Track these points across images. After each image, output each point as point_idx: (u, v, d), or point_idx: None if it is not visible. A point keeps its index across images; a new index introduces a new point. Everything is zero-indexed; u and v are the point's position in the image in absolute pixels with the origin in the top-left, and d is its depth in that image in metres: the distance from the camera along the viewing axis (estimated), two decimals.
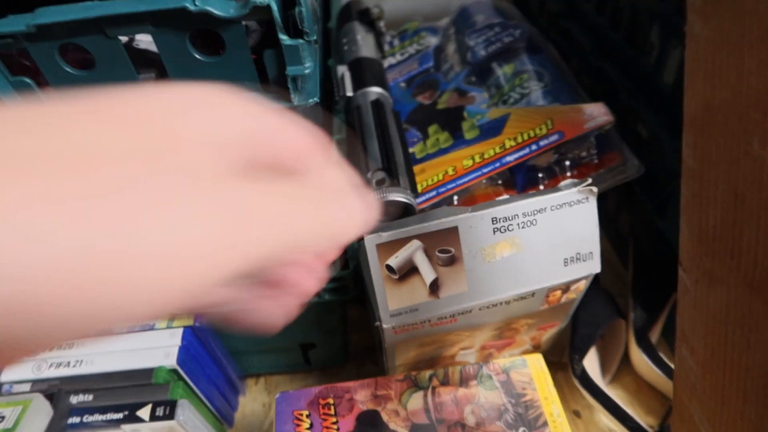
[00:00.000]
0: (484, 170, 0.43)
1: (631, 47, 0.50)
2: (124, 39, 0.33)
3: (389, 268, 0.35)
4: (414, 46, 0.57)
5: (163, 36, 0.26)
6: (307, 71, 0.27)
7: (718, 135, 0.21)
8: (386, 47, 0.59)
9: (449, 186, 0.43)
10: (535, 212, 0.36)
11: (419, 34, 0.58)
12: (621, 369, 0.51)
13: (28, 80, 0.28)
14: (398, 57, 0.57)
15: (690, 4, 0.22)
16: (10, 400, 0.34)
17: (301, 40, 0.26)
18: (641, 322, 0.47)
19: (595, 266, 0.38)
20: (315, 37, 0.27)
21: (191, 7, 0.25)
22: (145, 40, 0.31)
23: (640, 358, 0.47)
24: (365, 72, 0.47)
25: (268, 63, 0.28)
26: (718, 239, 0.22)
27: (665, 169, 0.44)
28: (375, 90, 0.44)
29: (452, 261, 0.36)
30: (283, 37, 0.26)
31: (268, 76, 0.28)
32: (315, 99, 0.29)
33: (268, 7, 0.25)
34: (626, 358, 0.50)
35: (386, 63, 0.57)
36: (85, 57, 0.28)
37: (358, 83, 0.45)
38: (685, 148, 0.24)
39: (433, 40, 0.56)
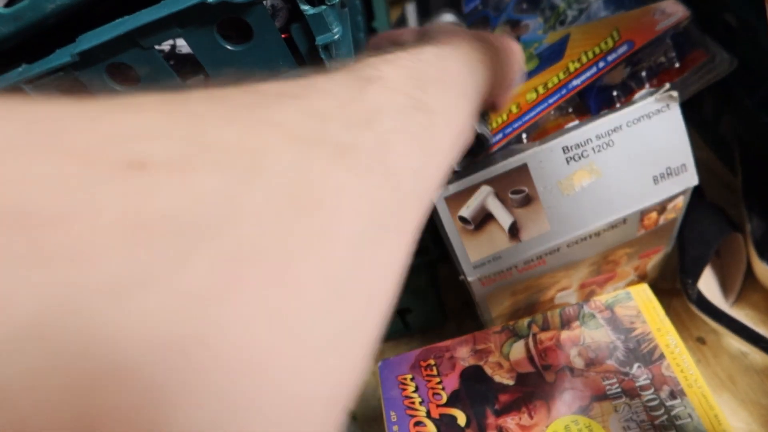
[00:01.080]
0: (550, 101, 0.40)
1: None
2: (165, 48, 0.34)
3: (463, 219, 0.34)
4: None
5: (192, 35, 0.27)
6: (336, 36, 0.26)
7: None
8: None
9: (515, 125, 0.41)
10: (610, 132, 0.32)
11: None
12: (746, 286, 0.46)
13: None
14: None
15: None
16: None
17: (323, 6, 0.26)
18: (760, 231, 0.42)
19: (691, 179, 0.34)
20: (337, 1, 0.26)
21: (209, 0, 0.25)
22: (186, 45, 0.32)
23: (765, 272, 0.42)
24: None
25: (296, 37, 0.27)
26: None
27: (763, 58, 0.39)
28: (447, 17, 0.42)
29: (528, 201, 0.34)
30: (305, 8, 0.25)
31: (302, 53, 0.28)
32: (351, 59, 0.28)
33: None
34: (750, 273, 0.45)
35: None
36: (132, 73, 0.30)
37: (424, 13, 0.43)
38: None
39: None
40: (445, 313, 0.54)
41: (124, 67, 0.28)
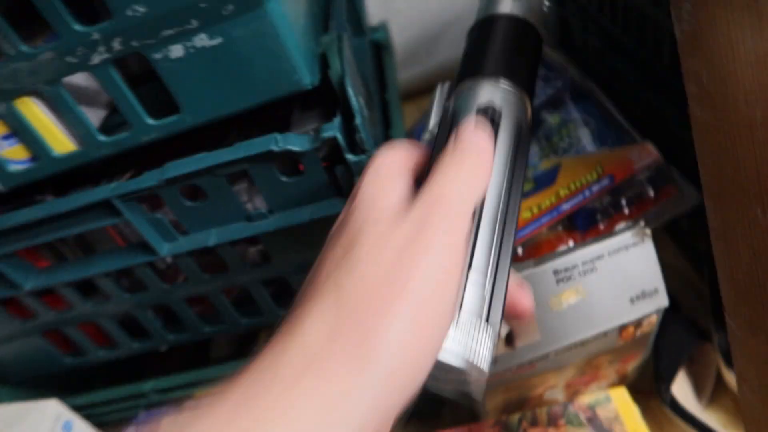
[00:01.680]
0: (543, 220, 0.46)
1: (677, 76, 0.52)
2: None
3: None
4: None
5: (256, 168, 0.33)
6: None
7: (730, 203, 0.24)
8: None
9: None
10: (594, 259, 0.38)
11: None
12: (717, 390, 0.51)
13: (159, 216, 0.35)
14: None
15: (688, 92, 0.25)
16: None
17: (363, 156, 0.32)
18: (726, 344, 0.47)
19: (662, 301, 0.40)
20: (374, 151, 0.32)
21: (276, 149, 0.31)
22: None
23: (732, 380, 0.47)
24: None
25: (339, 176, 0.34)
26: (748, 291, 0.24)
27: None
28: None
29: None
30: (349, 156, 0.32)
31: (341, 185, 0.34)
32: None
33: (335, 138, 0.31)
34: (720, 379, 0.50)
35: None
36: (195, 187, 0.36)
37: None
38: (708, 211, 0.27)
39: None
40: (443, 400, 0.58)
41: (196, 188, 0.34)
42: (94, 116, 0.35)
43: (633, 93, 0.58)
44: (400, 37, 0.96)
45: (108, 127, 0.35)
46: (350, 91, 0.31)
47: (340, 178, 0.34)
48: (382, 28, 0.75)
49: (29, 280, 0.39)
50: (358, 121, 0.30)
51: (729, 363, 0.48)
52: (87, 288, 0.43)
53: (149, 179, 0.33)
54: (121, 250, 0.39)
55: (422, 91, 1.00)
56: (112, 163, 0.44)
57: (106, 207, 0.34)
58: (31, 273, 0.39)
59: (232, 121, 0.43)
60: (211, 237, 0.36)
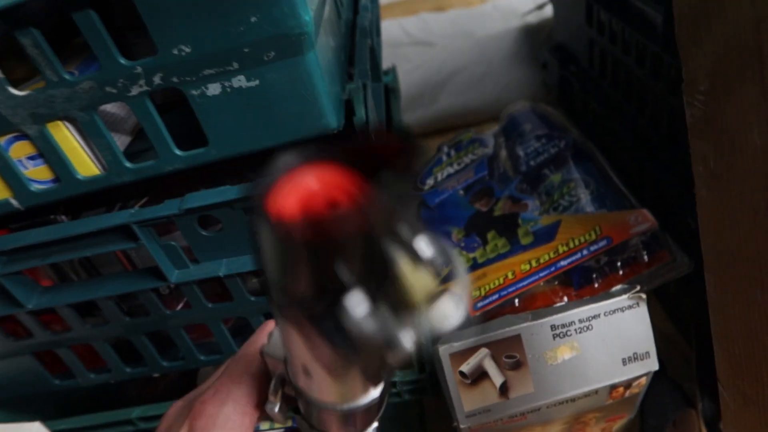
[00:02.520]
0: (541, 274, 0.48)
1: (673, 146, 0.55)
2: None
3: (462, 374, 0.40)
4: (469, 156, 0.63)
5: None
6: None
7: (731, 279, 0.25)
8: (444, 157, 0.66)
9: (510, 289, 0.48)
10: (590, 318, 0.40)
11: (473, 144, 0.65)
12: None
13: (174, 243, 0.36)
14: (455, 166, 0.64)
15: (695, 172, 0.27)
16: None
17: None
18: (710, 412, 0.48)
19: (652, 364, 0.41)
20: None
21: None
22: None
23: None
24: None
25: None
26: (744, 365, 0.26)
27: None
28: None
29: (518, 365, 0.40)
30: None
31: None
32: None
33: None
34: None
35: (445, 172, 0.64)
36: (210, 217, 0.37)
37: None
38: (708, 285, 0.28)
39: (485, 150, 0.63)
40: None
41: (210, 217, 0.35)
42: (118, 142, 0.36)
43: (630, 158, 0.60)
44: (404, 81, 0.99)
45: (129, 153, 0.36)
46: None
47: None
48: (392, 72, 0.78)
49: (32, 299, 0.39)
50: None
51: (712, 431, 0.49)
52: (83, 309, 0.43)
53: (169, 208, 0.33)
54: (129, 273, 0.39)
55: (425, 134, 1.03)
56: (122, 187, 0.45)
57: (123, 231, 0.34)
58: (35, 291, 0.39)
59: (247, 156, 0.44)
60: (222, 267, 0.37)
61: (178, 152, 0.33)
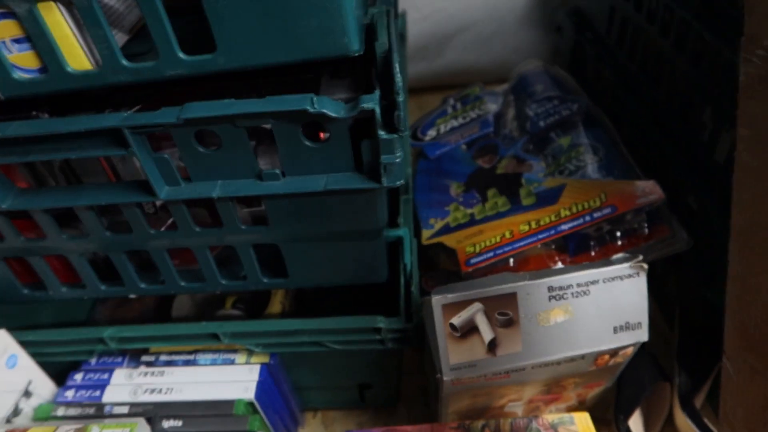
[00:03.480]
0: (540, 236, 0.46)
1: (685, 124, 0.53)
2: None
3: (452, 326, 0.39)
4: (475, 110, 0.61)
5: (281, 127, 0.32)
6: (398, 160, 0.32)
7: (760, 249, 0.24)
8: (449, 109, 0.64)
9: (506, 248, 0.47)
10: (589, 283, 0.39)
11: (480, 99, 0.63)
12: (665, 429, 0.52)
13: (166, 156, 0.33)
14: (460, 120, 0.61)
15: (739, 135, 0.25)
16: (118, 422, 0.39)
17: (396, 135, 0.31)
18: (686, 388, 0.49)
19: (643, 335, 0.41)
20: (408, 133, 0.32)
21: (311, 110, 0.30)
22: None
23: (684, 423, 0.49)
24: None
25: (364, 150, 0.33)
26: (758, 338, 0.25)
27: (713, 242, 0.47)
28: None
29: (510, 323, 0.39)
30: (381, 133, 0.31)
31: (363, 160, 0.33)
32: (401, 181, 0.33)
33: (373, 110, 0.30)
34: (670, 418, 0.52)
35: (448, 125, 0.62)
36: (204, 131, 0.34)
37: None
38: (731, 254, 0.27)
39: (493, 107, 0.61)
40: (400, 395, 0.57)
41: (212, 134, 0.32)
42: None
43: (638, 132, 0.59)
44: (410, 31, 0.95)
45: (125, 55, 0.33)
46: (396, 67, 0.30)
47: (363, 152, 0.33)
48: (401, 17, 0.74)
49: (7, 199, 0.36)
50: (401, 98, 0.29)
51: (685, 407, 0.49)
52: (63, 220, 0.40)
53: (167, 115, 0.31)
54: (115, 185, 0.37)
55: (425, 88, 0.99)
56: (114, 94, 0.42)
57: (113, 136, 0.32)
58: (11, 191, 0.36)
59: (253, 79, 0.41)
60: (217, 189, 0.34)
61: (181, 55, 0.30)
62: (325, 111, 0.30)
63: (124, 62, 0.31)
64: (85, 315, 0.62)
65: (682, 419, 0.49)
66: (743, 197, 0.25)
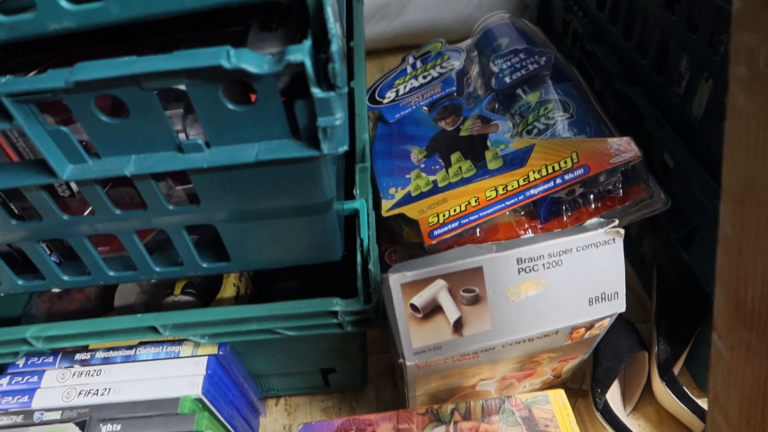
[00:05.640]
0: (508, 203, 0.43)
1: (659, 75, 0.50)
2: None
3: (413, 306, 0.35)
4: (437, 69, 0.57)
5: (197, 89, 0.27)
6: (338, 122, 0.27)
7: (759, 210, 0.21)
8: (408, 69, 0.59)
9: (472, 217, 0.43)
10: (561, 253, 0.35)
11: (442, 56, 0.58)
12: (643, 399, 0.50)
13: (64, 129, 0.28)
14: (420, 80, 0.57)
15: (733, 75, 0.21)
16: (47, 429, 0.35)
17: (333, 93, 0.26)
18: (665, 356, 0.46)
19: (620, 305, 0.37)
20: (346, 90, 0.27)
21: (226, 65, 0.25)
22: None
23: (663, 391, 0.47)
24: None
25: (299, 113, 0.28)
26: (756, 312, 0.21)
27: (691, 201, 0.44)
28: None
29: (476, 300, 0.36)
30: (316, 90, 0.26)
31: (299, 125, 0.29)
32: (344, 147, 0.29)
33: (302, 64, 0.25)
34: (648, 387, 0.50)
35: (408, 85, 0.57)
36: (116, 100, 0.29)
37: None
38: (723, 217, 0.23)
39: (456, 63, 0.56)
40: (367, 376, 0.54)
41: (115, 99, 0.27)
42: None
43: (610, 85, 0.55)
44: None
45: (8, 11, 0.27)
46: (328, 11, 0.25)
47: (298, 115, 0.28)
48: None
49: None
50: (334, 47, 0.24)
51: (664, 376, 0.47)
52: None
53: (54, 79, 0.25)
54: (8, 166, 0.31)
55: (386, 49, 0.94)
56: (20, 63, 0.36)
57: None
58: None
59: (175, 36, 0.36)
60: (130, 165, 0.29)
61: (64, 4, 0.25)
62: (244, 66, 0.25)
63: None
64: (20, 309, 0.56)
65: (660, 388, 0.47)
66: (737, 149, 0.21)
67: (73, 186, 0.35)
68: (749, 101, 0.20)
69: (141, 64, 0.25)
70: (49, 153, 0.28)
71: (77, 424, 0.37)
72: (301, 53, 0.25)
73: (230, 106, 0.27)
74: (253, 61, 0.25)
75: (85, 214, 0.37)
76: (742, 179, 0.22)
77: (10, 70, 0.34)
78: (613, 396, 0.50)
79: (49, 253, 0.39)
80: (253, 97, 0.29)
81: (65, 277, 0.39)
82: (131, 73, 0.25)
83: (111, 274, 0.39)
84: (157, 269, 0.38)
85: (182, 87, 0.28)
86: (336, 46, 0.24)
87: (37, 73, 0.31)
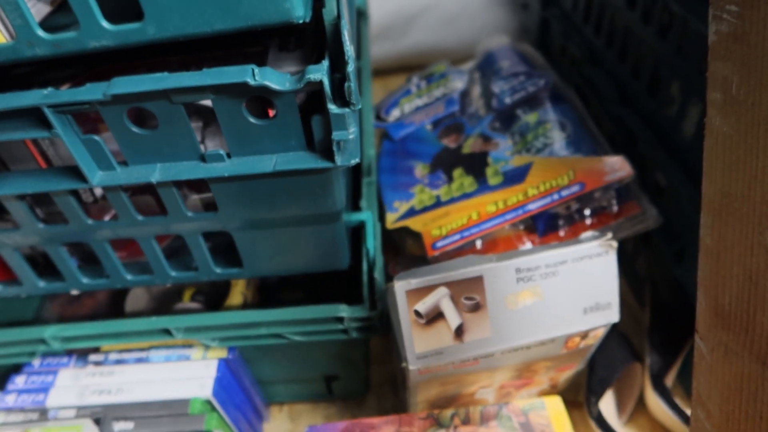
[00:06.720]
0: (507, 216, 0.45)
1: (652, 98, 0.52)
2: None
3: (417, 313, 0.37)
4: (440, 89, 0.59)
5: (222, 103, 0.29)
6: (351, 136, 0.30)
7: (734, 221, 0.23)
8: (413, 88, 0.62)
9: (473, 230, 0.45)
10: (557, 264, 0.37)
11: (446, 77, 0.60)
12: (636, 410, 0.52)
13: (97, 138, 0.30)
14: (425, 99, 0.59)
15: (710, 99, 0.24)
16: (62, 425, 0.37)
17: (347, 110, 0.29)
18: (657, 367, 0.48)
19: (613, 315, 0.39)
20: (360, 107, 0.29)
21: (252, 82, 0.27)
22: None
23: (655, 403, 0.48)
24: None
25: (315, 127, 0.30)
26: (733, 315, 0.23)
27: (682, 218, 0.46)
28: None
29: (477, 308, 0.38)
30: (332, 107, 0.29)
31: (314, 138, 0.31)
32: (356, 159, 0.31)
33: (321, 82, 0.27)
34: (642, 399, 0.51)
35: (413, 105, 0.59)
36: (139, 113, 0.31)
37: None
38: (703, 228, 0.26)
39: (458, 84, 0.59)
40: (369, 384, 0.56)
41: (146, 112, 0.30)
42: (33, 10, 0.29)
43: (605, 107, 0.58)
44: (375, 9, 0.92)
45: (49, 28, 0.30)
46: (345, 35, 0.27)
47: (314, 129, 0.30)
48: None
49: None
50: (350, 68, 0.27)
51: (656, 387, 0.49)
52: None
53: (92, 92, 0.28)
54: (42, 172, 0.33)
55: (390, 69, 0.97)
56: (42, 73, 0.38)
57: (34, 116, 0.29)
58: None
59: (198, 54, 0.38)
60: (156, 173, 0.31)
61: (105, 24, 0.27)
62: (267, 83, 0.27)
63: (41, 33, 0.27)
64: (32, 313, 0.58)
65: (653, 399, 0.49)
66: (715, 166, 0.24)
67: (96, 192, 0.38)
68: (724, 123, 0.22)
69: (173, 79, 0.27)
70: (82, 160, 0.30)
71: (93, 420, 0.39)
72: (320, 72, 0.27)
73: (252, 120, 0.30)
74: (275, 78, 0.27)
75: (107, 218, 0.39)
76: (718, 193, 0.24)
77: (40, 84, 0.37)
78: (608, 407, 0.52)
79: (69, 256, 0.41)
80: (271, 112, 0.32)
81: (85, 280, 0.41)
82: (164, 87, 0.27)
83: (128, 277, 0.41)
84: (173, 274, 0.40)
85: (205, 102, 0.30)
86: (352, 66, 0.27)
87: (71, 87, 0.33)
